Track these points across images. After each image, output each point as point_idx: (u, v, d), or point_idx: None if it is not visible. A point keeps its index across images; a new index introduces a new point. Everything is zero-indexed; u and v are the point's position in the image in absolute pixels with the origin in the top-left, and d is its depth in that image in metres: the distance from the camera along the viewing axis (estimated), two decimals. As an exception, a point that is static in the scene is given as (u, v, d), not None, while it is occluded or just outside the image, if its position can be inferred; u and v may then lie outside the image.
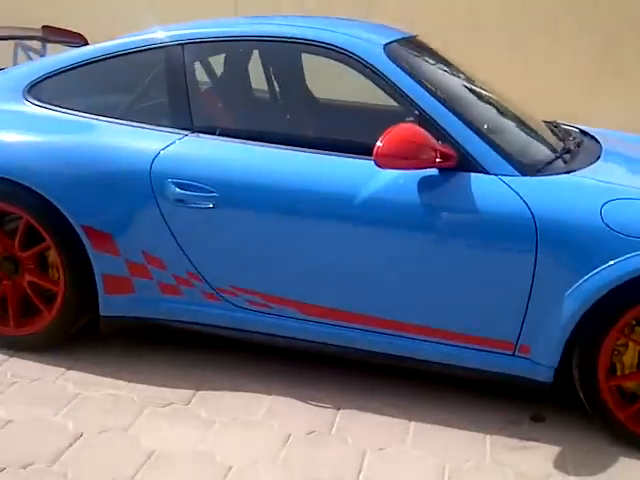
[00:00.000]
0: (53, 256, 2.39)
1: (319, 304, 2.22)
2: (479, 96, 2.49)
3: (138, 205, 2.25)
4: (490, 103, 2.47)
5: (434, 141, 1.99)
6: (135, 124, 2.33)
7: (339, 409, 2.20)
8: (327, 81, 2.63)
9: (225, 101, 2.51)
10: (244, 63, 2.56)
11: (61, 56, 2.52)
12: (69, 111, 2.41)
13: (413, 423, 2.13)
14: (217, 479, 1.85)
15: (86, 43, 3.83)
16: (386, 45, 2.27)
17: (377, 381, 2.35)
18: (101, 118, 2.37)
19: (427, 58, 2.50)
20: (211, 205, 2.18)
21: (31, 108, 2.44)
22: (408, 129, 1.97)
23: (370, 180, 2.07)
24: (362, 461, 1.95)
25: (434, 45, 2.67)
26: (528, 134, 2.41)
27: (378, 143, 1.92)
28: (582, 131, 2.71)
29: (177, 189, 2.20)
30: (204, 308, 2.33)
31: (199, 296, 2.32)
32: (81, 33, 3.88)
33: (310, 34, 2.27)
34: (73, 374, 2.35)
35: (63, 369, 2.38)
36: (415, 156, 1.94)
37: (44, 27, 3.90)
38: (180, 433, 2.06)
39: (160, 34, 2.41)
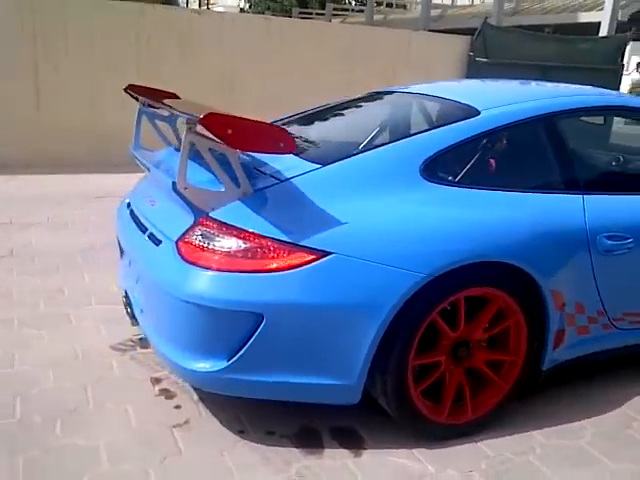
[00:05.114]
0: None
1: None
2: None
3: (579, 262, 2.50)
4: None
5: None
6: (543, 192, 2.51)
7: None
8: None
9: (602, 162, 2.87)
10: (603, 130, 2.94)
11: (451, 130, 2.47)
12: (479, 187, 2.41)
13: None
14: None
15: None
16: None
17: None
18: (512, 191, 2.45)
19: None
20: (627, 250, 2.62)
21: (442, 188, 2.37)
22: None
23: None
24: None
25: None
26: None
27: None
28: None
29: (608, 241, 2.56)
30: (601, 338, 2.72)
31: (599, 329, 2.69)
32: (175, 93, 3.37)
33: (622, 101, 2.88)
34: (493, 442, 2.40)
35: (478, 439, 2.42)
36: None
37: (129, 86, 3.22)
38: None
39: (529, 105, 2.64)
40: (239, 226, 2.16)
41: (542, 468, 2.26)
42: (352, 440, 2.36)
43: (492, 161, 2.56)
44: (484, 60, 9.08)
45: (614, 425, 2.56)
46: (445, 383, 2.37)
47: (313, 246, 2.11)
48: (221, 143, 2.04)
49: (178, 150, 2.86)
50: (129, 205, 2.88)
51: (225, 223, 2.18)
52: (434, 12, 15.81)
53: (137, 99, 3.11)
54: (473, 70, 9.03)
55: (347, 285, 2.12)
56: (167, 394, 2.58)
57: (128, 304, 2.63)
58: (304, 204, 2.23)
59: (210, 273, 2.11)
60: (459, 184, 2.40)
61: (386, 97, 3.30)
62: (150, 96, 3.00)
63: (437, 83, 3.45)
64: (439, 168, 2.41)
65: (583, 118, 3.20)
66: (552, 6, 14.27)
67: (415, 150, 2.43)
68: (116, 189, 6.22)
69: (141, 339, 3.03)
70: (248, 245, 2.12)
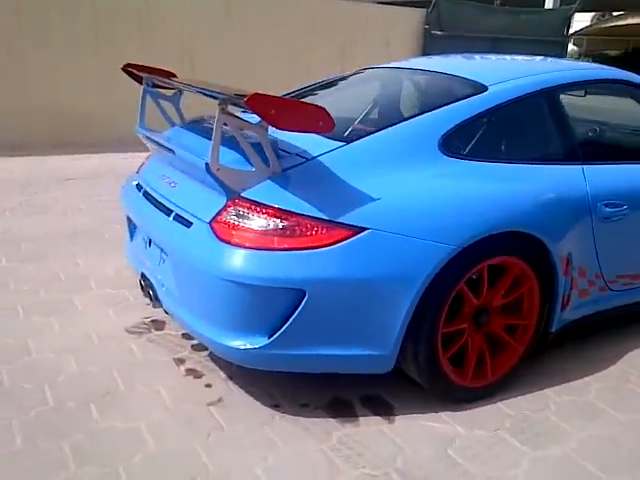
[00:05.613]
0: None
1: None
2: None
3: (583, 229, 2.66)
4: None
5: None
6: (552, 163, 2.67)
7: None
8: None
9: (595, 133, 3.01)
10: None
11: (465, 105, 2.56)
12: (493, 160, 2.52)
13: None
14: None
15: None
16: None
17: None
18: (524, 163, 2.58)
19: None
20: (622, 216, 2.80)
21: (460, 162, 2.46)
22: None
23: None
24: None
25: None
26: None
27: None
28: None
29: (607, 209, 2.73)
30: (599, 300, 2.91)
31: (597, 292, 2.88)
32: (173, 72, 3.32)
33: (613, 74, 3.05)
34: (512, 402, 2.55)
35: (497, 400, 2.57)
36: None
37: (127, 65, 3.16)
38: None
39: (534, 79, 2.76)
40: (274, 205, 2.20)
41: (560, 423, 2.43)
42: (383, 407, 2.46)
43: (505, 135, 2.68)
44: (440, 33, 9.22)
45: (614, 380, 2.76)
46: (468, 349, 2.50)
47: (349, 222, 2.18)
48: (261, 124, 2.06)
49: (186, 129, 2.86)
50: (139, 187, 2.85)
51: (260, 202, 2.22)
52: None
53: (135, 78, 3.07)
54: (430, 43, 9.16)
55: (383, 259, 2.20)
56: (195, 374, 2.62)
57: (148, 286, 2.63)
58: (334, 181, 2.28)
59: (252, 252, 2.15)
60: (476, 158, 2.50)
61: (389, 73, 3.35)
62: (150, 75, 2.96)
63: (433, 59, 3.53)
64: (456, 143, 2.51)
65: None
66: (499, -22, 14.53)
67: (433, 125, 2.51)
68: (87, 170, 6.12)
69: (153, 321, 3.04)
70: (285, 223, 2.17)
